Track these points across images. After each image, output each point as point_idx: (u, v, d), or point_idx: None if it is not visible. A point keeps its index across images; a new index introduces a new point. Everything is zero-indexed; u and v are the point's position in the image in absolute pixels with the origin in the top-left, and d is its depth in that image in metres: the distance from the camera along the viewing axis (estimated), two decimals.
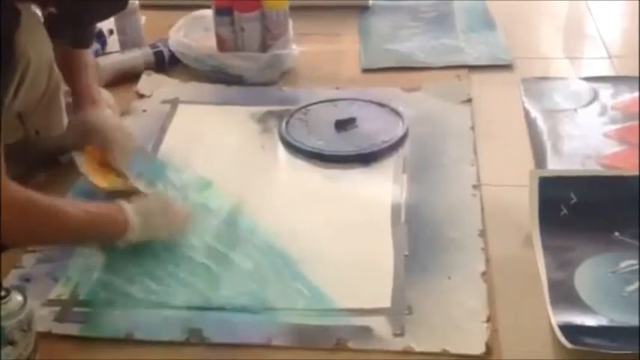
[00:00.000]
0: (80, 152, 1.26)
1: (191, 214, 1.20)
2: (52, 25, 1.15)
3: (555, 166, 1.33)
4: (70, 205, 1.07)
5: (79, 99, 1.29)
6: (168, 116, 1.56)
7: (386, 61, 1.73)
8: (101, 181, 1.24)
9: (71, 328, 1.03)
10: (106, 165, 1.27)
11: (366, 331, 1.02)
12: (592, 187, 1.18)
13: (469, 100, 1.55)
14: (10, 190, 0.96)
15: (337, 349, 1.00)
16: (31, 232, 1.01)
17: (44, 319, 1.03)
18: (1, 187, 0.94)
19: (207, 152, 1.43)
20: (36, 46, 1.11)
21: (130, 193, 1.20)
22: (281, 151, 1.44)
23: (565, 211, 1.16)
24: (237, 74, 1.66)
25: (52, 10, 1.14)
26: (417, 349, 0.99)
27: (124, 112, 1.56)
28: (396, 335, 1.01)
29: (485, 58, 1.71)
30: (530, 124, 1.47)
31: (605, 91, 1.56)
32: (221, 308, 1.07)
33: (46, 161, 1.33)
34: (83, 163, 1.25)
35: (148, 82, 1.67)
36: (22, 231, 0.99)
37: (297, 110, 1.54)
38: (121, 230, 1.09)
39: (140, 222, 1.10)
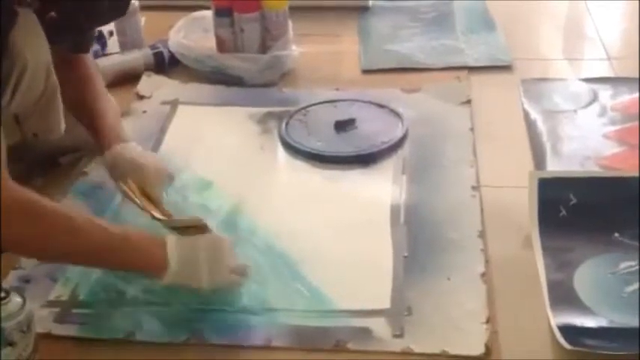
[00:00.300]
0: (124, 182, 1.20)
1: (244, 269, 1.09)
2: (51, 30, 1.14)
3: (555, 167, 1.33)
4: (91, 222, 1.01)
5: (106, 136, 1.26)
6: (168, 117, 1.56)
7: (386, 62, 1.73)
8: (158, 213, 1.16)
9: (71, 329, 1.03)
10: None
11: (365, 332, 1.02)
12: (591, 188, 1.18)
13: (469, 102, 1.55)
14: (12, 191, 0.94)
15: (337, 350, 1.00)
16: (38, 240, 0.95)
17: (44, 320, 1.03)
18: (2, 187, 0.92)
19: (207, 153, 1.43)
20: (33, 48, 1.11)
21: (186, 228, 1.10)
22: (280, 152, 1.44)
23: (564, 212, 1.16)
24: (237, 75, 1.67)
25: (52, 15, 1.14)
26: (417, 350, 0.99)
27: (124, 113, 1.56)
28: (395, 336, 1.01)
29: (484, 59, 1.71)
30: (530, 125, 1.47)
31: (605, 92, 1.56)
32: (221, 309, 1.07)
33: (44, 163, 1.33)
34: (135, 190, 1.18)
35: (147, 83, 1.67)
36: (27, 238, 0.95)
37: (296, 111, 1.55)
38: (155, 267, 1.02)
39: (180, 265, 1.02)
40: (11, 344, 0.87)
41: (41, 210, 0.97)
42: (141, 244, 1.03)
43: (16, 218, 0.93)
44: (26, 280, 1.12)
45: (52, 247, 0.98)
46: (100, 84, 1.34)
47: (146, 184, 1.21)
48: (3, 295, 0.88)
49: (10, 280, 1.11)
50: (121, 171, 1.23)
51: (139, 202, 1.16)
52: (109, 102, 1.33)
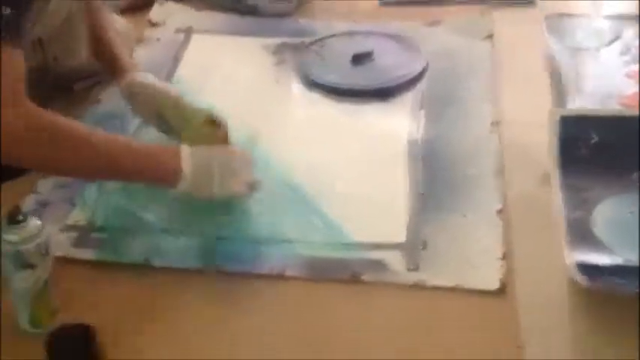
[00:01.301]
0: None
1: (255, 184, 1.10)
2: None
3: (576, 104, 1.31)
4: (107, 136, 1.02)
5: (121, 65, 1.24)
6: (182, 45, 1.54)
7: None
8: None
9: (88, 253, 1.04)
10: None
11: (380, 265, 1.02)
12: (612, 127, 1.16)
13: (490, 37, 1.52)
14: (32, 112, 0.94)
15: (351, 281, 1.00)
16: (60, 159, 0.98)
17: (62, 244, 1.04)
18: (22, 108, 0.92)
19: (221, 84, 1.42)
20: None
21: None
22: (296, 84, 1.42)
23: (584, 150, 1.15)
24: (252, 4, 1.63)
25: None
26: (431, 283, 1.00)
27: (138, 41, 1.53)
28: (409, 270, 1.01)
29: None
30: (552, 61, 1.44)
31: (629, 30, 1.52)
32: (236, 238, 1.07)
33: (62, 88, 1.32)
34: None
35: (161, 9, 1.64)
36: (49, 158, 0.96)
37: (312, 42, 1.52)
38: (170, 176, 1.03)
39: (194, 173, 1.03)
40: (31, 266, 0.88)
41: (61, 130, 0.97)
42: (157, 151, 1.05)
43: (37, 139, 0.94)
44: (44, 204, 1.12)
45: (73, 165, 0.99)
46: (108, 15, 1.32)
47: (166, 109, 1.19)
48: (21, 217, 0.88)
49: (28, 203, 1.11)
50: (139, 98, 1.21)
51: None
52: (118, 33, 1.31)
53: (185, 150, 1.04)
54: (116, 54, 1.25)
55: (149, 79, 1.23)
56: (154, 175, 1.04)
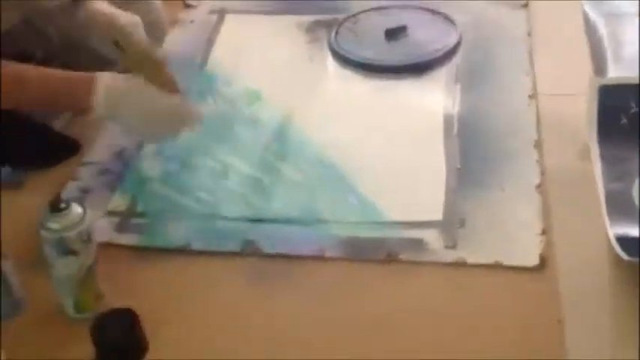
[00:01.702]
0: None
1: (194, 114, 1.08)
2: None
3: (616, 73, 1.27)
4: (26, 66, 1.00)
5: None
6: (216, 27, 1.54)
7: None
8: None
9: (130, 239, 1.06)
10: None
11: (417, 244, 1.02)
12: None
13: (526, 5, 1.49)
14: None
15: (389, 261, 1.01)
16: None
17: (104, 230, 1.06)
18: None
19: (256, 64, 1.42)
20: None
21: None
22: (330, 61, 1.42)
23: (625, 120, 1.12)
24: None
25: None
26: (470, 260, 0.99)
27: (172, 23, 1.54)
28: (447, 247, 1.01)
29: None
30: (590, 29, 1.40)
31: None
32: (273, 220, 1.08)
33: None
34: None
35: None
36: None
37: (345, 19, 1.51)
38: (81, 101, 0.99)
39: (108, 100, 0.99)
40: (74, 253, 0.90)
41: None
42: (72, 76, 1.02)
43: None
44: (85, 191, 1.14)
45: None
46: None
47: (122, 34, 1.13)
48: (63, 205, 0.89)
49: (69, 190, 1.14)
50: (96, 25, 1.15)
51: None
52: None
53: (102, 77, 1.00)
54: None
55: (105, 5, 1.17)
56: (66, 99, 1.01)
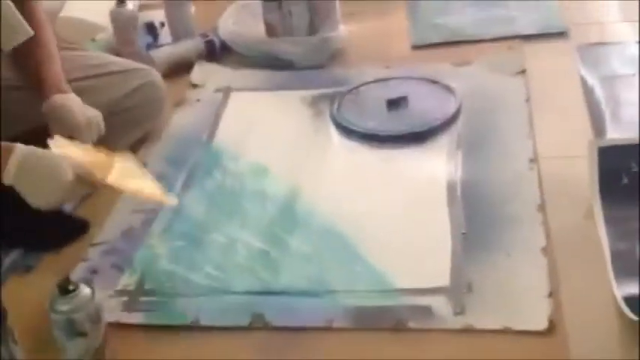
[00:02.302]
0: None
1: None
2: None
3: (615, 134, 1.30)
4: None
5: (48, 84, 1.27)
6: (222, 104, 1.58)
7: (436, 36, 1.71)
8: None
9: (139, 317, 1.07)
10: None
11: (426, 311, 1.02)
12: None
13: (523, 72, 1.52)
14: None
15: (398, 329, 1.00)
16: None
17: (113, 310, 1.06)
18: None
19: (261, 139, 1.45)
20: None
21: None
22: (334, 133, 1.45)
23: (626, 180, 1.13)
24: (287, 59, 1.67)
25: None
26: (478, 326, 0.99)
27: (179, 103, 1.59)
28: (456, 314, 1.01)
29: (537, 26, 1.68)
30: (588, 92, 1.43)
31: None
32: (282, 292, 1.08)
33: None
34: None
35: (200, 71, 1.70)
36: None
37: (348, 92, 1.54)
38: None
39: (17, 175, 1.07)
40: (82, 334, 0.91)
41: None
42: None
43: None
44: (93, 271, 1.15)
45: None
46: (49, 32, 1.33)
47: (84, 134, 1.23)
48: (72, 287, 0.91)
49: (78, 272, 1.15)
50: (59, 124, 1.23)
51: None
52: (56, 52, 1.32)
53: (20, 150, 1.07)
54: (45, 70, 1.28)
55: (68, 102, 1.26)
56: None
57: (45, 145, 1.20)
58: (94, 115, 1.28)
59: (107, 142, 1.34)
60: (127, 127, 1.42)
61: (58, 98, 1.26)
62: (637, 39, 1.58)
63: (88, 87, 1.36)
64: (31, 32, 1.20)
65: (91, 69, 1.41)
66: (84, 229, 1.23)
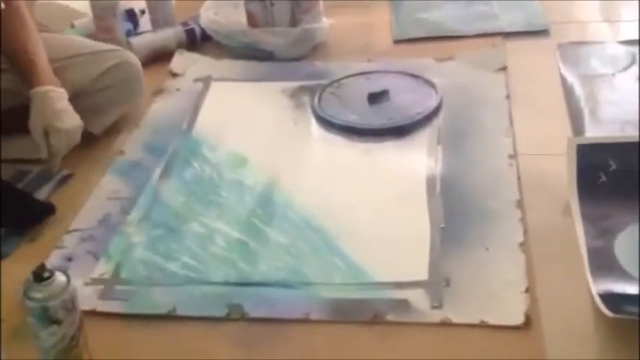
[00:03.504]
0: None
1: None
2: None
3: (593, 132, 1.31)
4: None
5: (39, 75, 1.29)
6: (202, 94, 1.57)
7: (418, 31, 1.71)
8: None
9: (115, 306, 1.05)
10: None
11: (403, 304, 1.02)
12: (631, 153, 1.15)
13: (504, 68, 1.53)
14: None
15: (375, 322, 1.00)
16: None
17: (88, 298, 1.05)
18: None
19: (241, 129, 1.44)
20: None
21: None
22: (314, 126, 1.44)
23: (604, 178, 1.14)
24: (269, 50, 1.66)
25: None
26: (456, 320, 0.99)
27: (158, 91, 1.57)
28: (433, 307, 1.01)
29: (519, 24, 1.68)
30: (567, 90, 1.44)
31: None
32: (259, 283, 1.08)
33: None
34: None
35: (180, 60, 1.68)
36: None
37: (329, 84, 1.54)
38: None
39: None
40: (57, 322, 0.89)
41: None
42: None
43: None
44: (69, 259, 1.14)
45: None
46: (33, 26, 1.35)
47: (57, 138, 1.26)
48: (47, 274, 0.89)
49: (53, 259, 1.13)
50: (41, 116, 1.26)
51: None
52: (42, 45, 1.34)
53: None
54: (35, 63, 1.29)
55: (60, 102, 1.27)
56: None
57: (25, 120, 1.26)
58: (74, 125, 1.29)
59: (84, 123, 1.34)
60: (104, 108, 1.41)
61: (49, 92, 1.27)
62: (617, 39, 1.60)
63: (63, 67, 1.35)
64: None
65: (66, 50, 1.39)
66: (49, 212, 1.22)
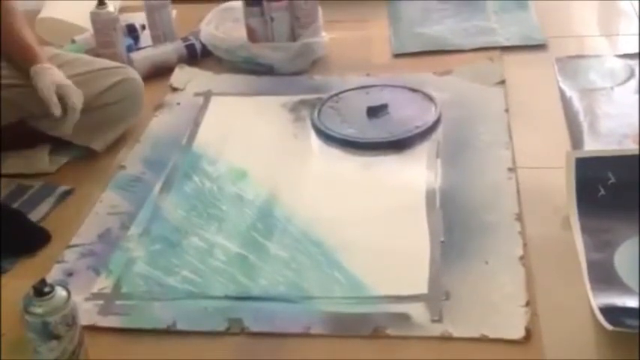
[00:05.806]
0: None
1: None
2: None
3: (592, 146, 1.31)
4: None
5: (31, 53, 1.35)
6: (202, 108, 1.57)
7: (417, 45, 1.72)
8: None
9: (115, 321, 1.05)
10: None
11: (404, 318, 1.02)
12: (630, 167, 1.16)
13: (502, 82, 1.53)
14: None
15: (375, 336, 1.00)
16: None
17: (88, 313, 1.05)
18: None
19: (241, 143, 1.44)
20: None
21: None
22: (314, 139, 1.45)
23: (603, 191, 1.15)
24: (269, 64, 1.67)
25: None
26: (456, 334, 0.99)
27: (159, 106, 1.58)
28: (434, 321, 1.01)
29: (517, 38, 1.69)
30: (566, 104, 1.45)
31: None
32: (259, 298, 1.08)
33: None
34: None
35: (181, 75, 1.69)
36: None
37: (328, 98, 1.55)
38: None
39: None
40: (57, 337, 0.89)
41: None
42: None
43: None
44: (69, 274, 1.14)
45: None
46: (22, 16, 1.41)
47: (69, 92, 1.31)
48: (48, 289, 0.89)
49: (54, 274, 1.13)
50: (49, 77, 1.31)
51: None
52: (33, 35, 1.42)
53: None
54: (28, 44, 1.37)
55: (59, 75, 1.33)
56: None
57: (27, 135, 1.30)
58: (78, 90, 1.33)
59: (86, 139, 1.34)
60: (106, 125, 1.42)
61: (50, 68, 1.33)
62: (615, 52, 1.61)
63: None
64: None
65: (70, 66, 1.40)
66: (44, 239, 1.21)
